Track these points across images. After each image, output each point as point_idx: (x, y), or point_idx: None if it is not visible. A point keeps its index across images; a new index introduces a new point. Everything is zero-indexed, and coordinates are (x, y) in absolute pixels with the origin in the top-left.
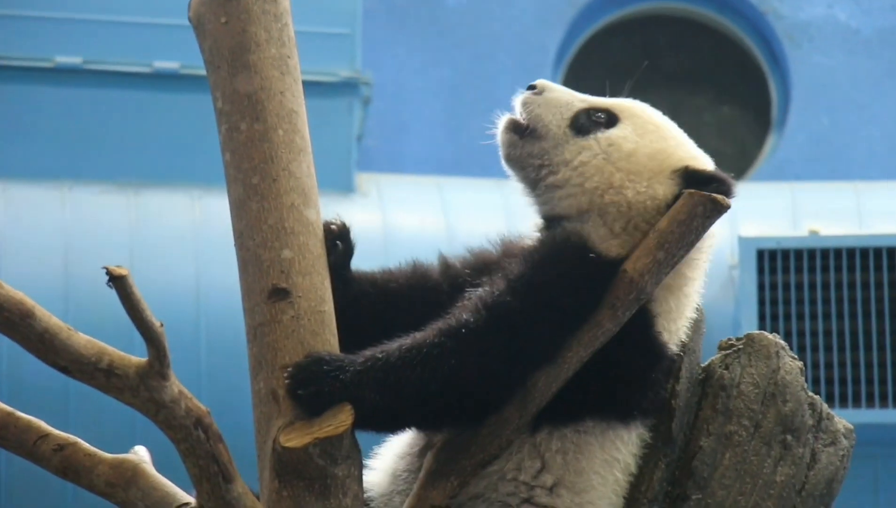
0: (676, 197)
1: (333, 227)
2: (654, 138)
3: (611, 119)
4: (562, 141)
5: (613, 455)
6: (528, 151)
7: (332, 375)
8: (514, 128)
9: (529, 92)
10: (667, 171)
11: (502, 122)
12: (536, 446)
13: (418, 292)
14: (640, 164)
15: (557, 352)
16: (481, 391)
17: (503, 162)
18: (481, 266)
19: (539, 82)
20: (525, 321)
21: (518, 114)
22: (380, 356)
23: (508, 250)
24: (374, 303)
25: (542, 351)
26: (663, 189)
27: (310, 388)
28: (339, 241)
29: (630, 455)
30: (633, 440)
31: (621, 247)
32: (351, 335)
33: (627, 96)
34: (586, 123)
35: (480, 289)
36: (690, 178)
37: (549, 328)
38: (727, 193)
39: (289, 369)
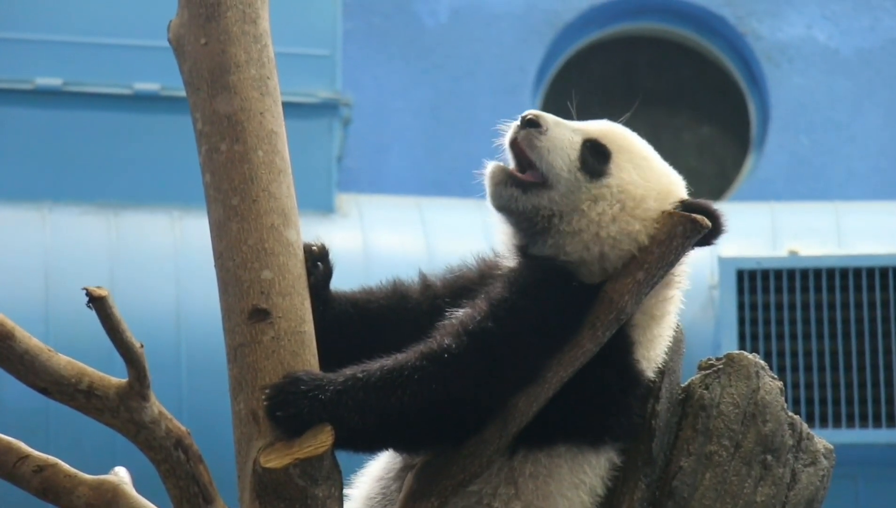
0: None
1: (314, 248)
2: (650, 176)
3: (605, 153)
4: (574, 187)
5: (581, 478)
6: (534, 204)
7: (311, 395)
8: (513, 181)
9: (533, 130)
10: (668, 209)
11: (494, 173)
12: (512, 471)
13: (399, 313)
14: (651, 208)
15: (538, 376)
16: (461, 414)
17: (497, 211)
18: (461, 287)
19: (540, 117)
20: (507, 347)
21: (510, 153)
22: (360, 376)
23: (488, 271)
24: (355, 323)
25: (523, 376)
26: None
27: (288, 409)
28: (319, 262)
29: (597, 479)
30: (601, 463)
31: (605, 274)
32: (332, 355)
33: (607, 118)
34: (590, 161)
35: (462, 312)
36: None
37: (531, 354)
38: (720, 227)
39: (267, 390)
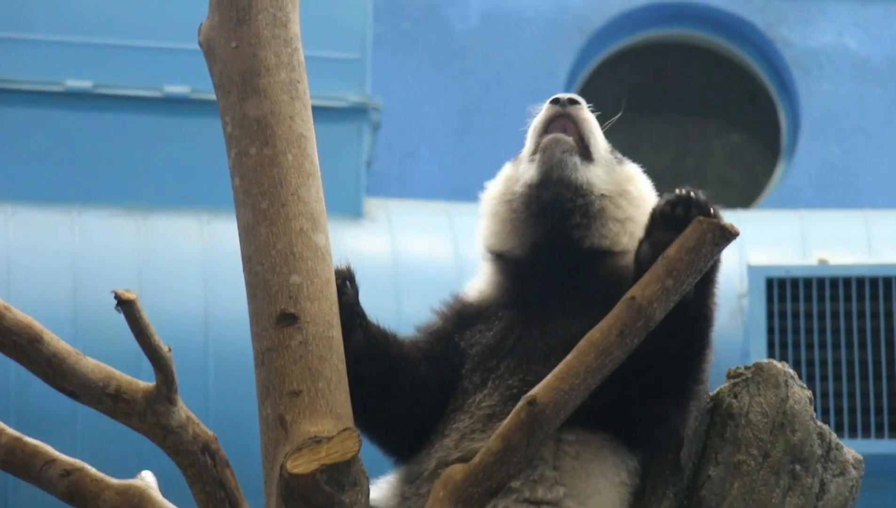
0: None
1: (343, 269)
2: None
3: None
4: (610, 168)
5: (623, 458)
6: (587, 178)
7: None
8: (578, 150)
9: (573, 107)
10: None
11: (561, 141)
12: (547, 457)
13: (419, 356)
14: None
15: None
16: None
17: (552, 182)
18: (440, 338)
19: (577, 97)
20: None
21: (542, 129)
22: None
23: (460, 316)
24: (392, 347)
25: None
26: None
27: None
28: (347, 282)
29: (633, 460)
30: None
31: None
32: (369, 371)
33: (637, 124)
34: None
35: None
36: None
37: None
38: None
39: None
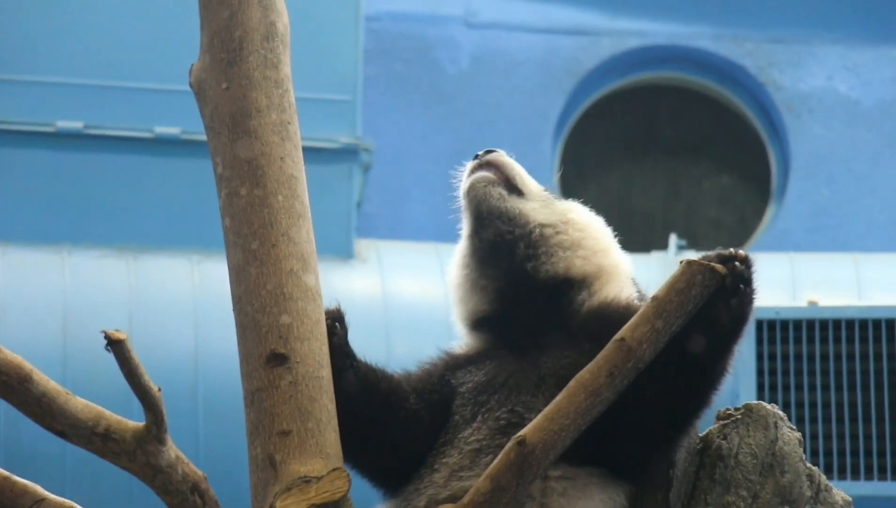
0: None
1: (333, 310)
2: None
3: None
4: (548, 202)
5: (611, 495)
6: (520, 208)
7: None
8: (500, 183)
9: (491, 155)
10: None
11: (482, 177)
12: (535, 494)
13: (410, 389)
14: (606, 231)
15: None
16: None
17: (483, 217)
18: (432, 376)
19: (498, 151)
20: None
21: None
22: None
23: (450, 363)
24: (382, 385)
25: None
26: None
27: None
28: (337, 323)
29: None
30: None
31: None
32: (358, 412)
33: (627, 166)
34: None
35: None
36: None
37: None
38: None
39: None
